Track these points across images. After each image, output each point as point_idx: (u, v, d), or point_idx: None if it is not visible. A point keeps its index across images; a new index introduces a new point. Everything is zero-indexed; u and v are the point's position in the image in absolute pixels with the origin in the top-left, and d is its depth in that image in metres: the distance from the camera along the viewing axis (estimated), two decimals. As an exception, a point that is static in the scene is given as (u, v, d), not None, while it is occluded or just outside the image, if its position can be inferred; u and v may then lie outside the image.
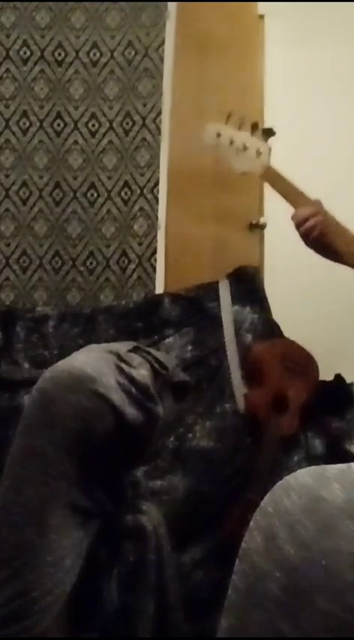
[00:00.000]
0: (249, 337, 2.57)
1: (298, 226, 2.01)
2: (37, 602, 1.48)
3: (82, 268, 2.67)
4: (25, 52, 2.64)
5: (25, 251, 2.65)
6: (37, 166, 2.65)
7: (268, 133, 2.19)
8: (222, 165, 2.13)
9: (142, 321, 2.55)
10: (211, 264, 2.74)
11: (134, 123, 2.69)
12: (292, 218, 2.03)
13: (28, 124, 2.64)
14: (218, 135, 2.12)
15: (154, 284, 2.70)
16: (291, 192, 2.06)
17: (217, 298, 2.59)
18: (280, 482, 0.90)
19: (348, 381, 2.54)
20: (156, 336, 2.52)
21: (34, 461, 1.55)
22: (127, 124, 2.68)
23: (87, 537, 1.56)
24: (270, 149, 2.10)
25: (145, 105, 2.69)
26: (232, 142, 2.11)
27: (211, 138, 2.13)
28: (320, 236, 1.98)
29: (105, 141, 2.67)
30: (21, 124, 2.64)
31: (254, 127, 2.12)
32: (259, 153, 2.09)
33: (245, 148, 2.09)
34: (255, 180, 2.81)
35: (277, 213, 2.78)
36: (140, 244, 2.69)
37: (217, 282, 2.62)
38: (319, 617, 0.80)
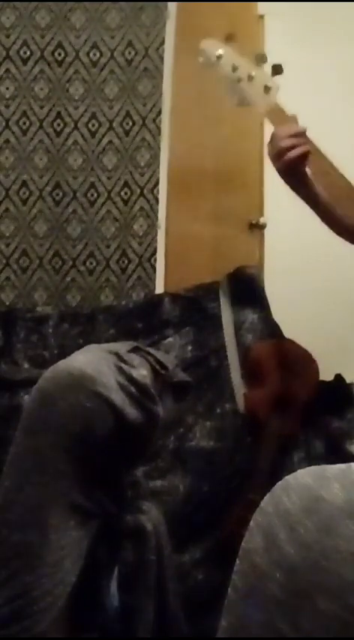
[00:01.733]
0: (249, 337, 2.57)
1: (277, 141, 1.68)
2: (37, 602, 1.48)
3: (82, 268, 2.67)
4: (25, 52, 2.64)
5: (25, 251, 2.65)
6: (37, 166, 2.65)
7: (277, 70, 1.75)
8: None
9: (142, 321, 2.55)
10: (211, 264, 2.74)
11: (134, 123, 2.69)
12: (272, 133, 1.70)
13: (28, 124, 2.64)
14: (218, 57, 1.76)
15: (154, 284, 2.70)
16: None
17: (217, 298, 2.59)
18: (280, 483, 0.90)
19: (348, 381, 2.54)
20: (156, 336, 2.52)
21: (34, 461, 1.55)
22: (127, 124, 2.68)
23: (87, 537, 1.56)
24: (278, 87, 1.74)
25: (145, 105, 2.69)
26: (235, 69, 1.75)
27: (210, 58, 1.76)
28: (300, 160, 1.68)
29: (105, 141, 2.67)
30: (21, 124, 2.64)
31: (260, 58, 1.76)
32: (267, 88, 1.74)
33: (250, 79, 1.73)
34: (255, 180, 2.82)
35: (277, 213, 2.79)
36: (140, 244, 2.69)
37: (217, 282, 2.62)
38: (319, 617, 0.80)
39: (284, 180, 1.74)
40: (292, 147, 1.67)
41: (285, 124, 1.72)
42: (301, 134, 1.70)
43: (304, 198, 1.77)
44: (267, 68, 1.77)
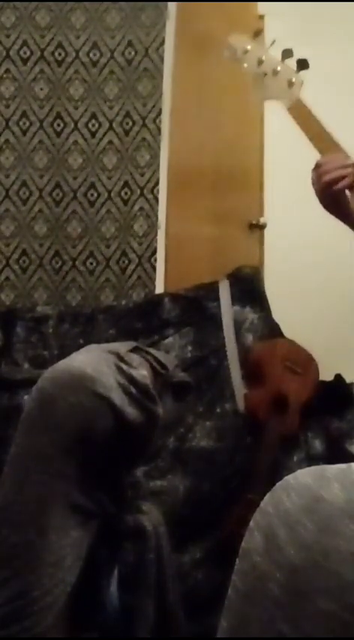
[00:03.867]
0: (249, 337, 2.57)
1: (324, 172, 1.71)
2: (37, 602, 1.48)
3: (82, 268, 2.67)
4: (25, 52, 2.63)
5: (25, 251, 2.65)
6: (37, 166, 2.65)
7: (302, 64, 1.79)
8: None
9: (142, 321, 2.55)
10: (211, 264, 2.74)
11: (134, 123, 2.69)
12: (319, 162, 1.72)
13: (28, 124, 2.64)
14: (245, 51, 1.80)
15: (154, 284, 2.70)
16: (319, 135, 1.76)
17: (217, 298, 2.59)
18: (280, 483, 0.90)
19: (348, 381, 2.54)
20: (156, 336, 2.52)
21: (34, 461, 1.55)
22: (127, 124, 2.68)
23: (87, 537, 1.56)
24: (302, 82, 1.78)
25: (145, 105, 2.69)
26: (260, 63, 1.79)
27: (236, 52, 1.79)
28: (346, 189, 1.69)
29: (105, 141, 2.67)
30: (21, 124, 2.64)
31: (286, 53, 1.79)
32: (291, 83, 1.77)
33: (275, 73, 1.78)
34: (255, 180, 2.82)
35: (277, 213, 2.79)
36: (140, 244, 2.69)
37: (217, 282, 2.62)
38: (319, 617, 0.80)
39: (326, 209, 1.75)
40: (340, 178, 1.70)
41: (331, 151, 1.74)
42: (350, 165, 1.71)
43: (341, 219, 1.78)
44: (293, 63, 1.79)
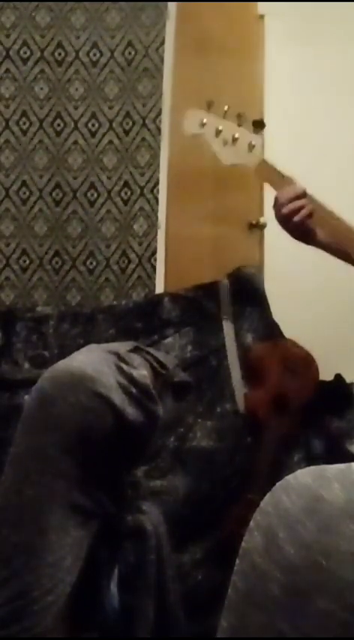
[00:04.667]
0: (249, 337, 2.57)
1: (280, 206, 1.80)
2: (37, 602, 1.48)
3: (82, 268, 2.67)
4: (25, 52, 2.64)
5: (25, 251, 2.65)
6: (37, 166, 2.65)
7: (259, 125, 1.88)
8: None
9: (142, 321, 2.55)
10: (211, 264, 2.74)
11: (134, 123, 2.69)
12: (275, 197, 1.81)
13: (28, 124, 2.64)
14: (202, 124, 1.86)
15: (154, 284, 2.70)
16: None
17: (217, 298, 2.59)
18: (280, 483, 0.90)
19: (348, 381, 2.54)
20: (156, 336, 2.52)
21: (34, 461, 1.55)
22: (127, 124, 2.68)
23: (87, 537, 1.56)
24: (262, 142, 1.87)
25: (145, 105, 2.69)
26: (218, 133, 1.85)
27: (193, 127, 1.87)
28: (305, 220, 1.79)
29: (105, 141, 2.67)
30: (21, 124, 2.64)
31: (240, 116, 1.86)
32: (251, 146, 1.86)
33: (234, 140, 1.85)
34: (255, 180, 2.82)
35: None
36: (140, 244, 2.69)
37: (217, 282, 2.62)
38: (319, 617, 0.80)
39: (296, 239, 1.85)
40: (297, 210, 1.79)
41: (284, 186, 1.82)
42: (302, 195, 1.80)
43: (318, 247, 1.89)
44: (248, 126, 1.87)
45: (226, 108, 1.85)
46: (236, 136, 1.85)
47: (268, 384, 2.47)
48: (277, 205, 1.82)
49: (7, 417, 2.24)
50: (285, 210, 1.79)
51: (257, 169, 1.89)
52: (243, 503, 2.24)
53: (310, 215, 1.80)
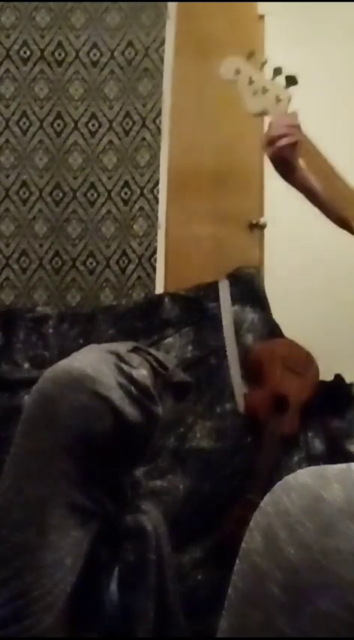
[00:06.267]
0: (249, 337, 2.57)
1: (269, 130, 1.83)
2: (37, 602, 1.48)
3: (82, 268, 2.67)
4: (25, 52, 2.64)
5: (25, 251, 2.65)
6: (37, 166, 2.65)
7: (291, 80, 1.93)
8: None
9: (142, 321, 2.55)
10: (211, 264, 2.74)
11: (134, 123, 2.69)
12: (269, 125, 1.85)
13: (28, 124, 2.64)
14: (237, 71, 1.93)
15: (154, 284, 2.70)
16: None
17: (217, 298, 2.59)
18: (280, 483, 0.90)
19: (348, 381, 2.54)
20: (156, 336, 2.52)
21: (34, 461, 1.55)
22: (127, 124, 2.68)
23: (87, 537, 1.56)
24: (290, 97, 1.90)
25: (145, 105, 2.69)
26: (251, 82, 1.91)
27: (229, 73, 1.93)
28: (289, 150, 1.80)
29: (105, 141, 2.67)
30: (21, 124, 2.64)
31: (276, 71, 1.92)
32: (278, 99, 1.89)
33: (265, 91, 1.90)
34: (255, 180, 2.82)
35: (277, 213, 2.79)
36: (140, 244, 2.69)
37: (217, 282, 2.62)
38: (319, 617, 0.80)
39: (275, 168, 1.85)
40: (283, 136, 1.80)
41: (283, 116, 1.86)
42: (295, 126, 1.82)
43: (297, 188, 1.88)
44: (282, 80, 1.92)
45: (264, 59, 1.93)
46: (267, 87, 1.91)
47: (268, 384, 2.47)
48: (268, 129, 1.85)
49: (7, 417, 2.24)
50: (273, 132, 1.82)
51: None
52: (243, 503, 2.24)
53: (294, 145, 1.80)
